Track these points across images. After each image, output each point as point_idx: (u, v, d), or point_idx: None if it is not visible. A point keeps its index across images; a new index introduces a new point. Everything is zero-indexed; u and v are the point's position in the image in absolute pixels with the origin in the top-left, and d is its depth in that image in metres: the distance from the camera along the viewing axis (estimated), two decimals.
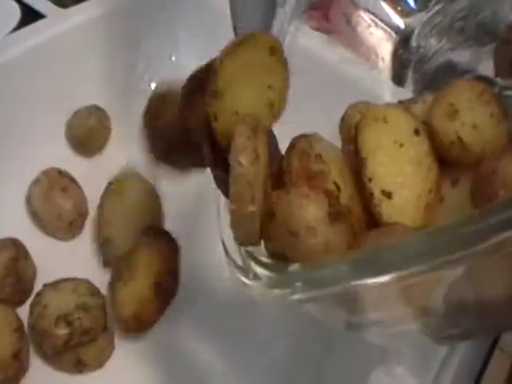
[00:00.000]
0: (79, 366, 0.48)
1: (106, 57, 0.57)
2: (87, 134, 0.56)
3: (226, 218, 0.31)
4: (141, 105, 0.57)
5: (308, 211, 0.29)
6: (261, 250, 0.30)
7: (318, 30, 0.49)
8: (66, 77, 0.56)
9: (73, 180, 0.54)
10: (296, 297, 0.27)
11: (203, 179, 0.36)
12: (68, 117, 0.56)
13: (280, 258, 0.30)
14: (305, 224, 0.29)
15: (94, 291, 0.48)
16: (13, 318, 0.47)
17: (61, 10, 0.58)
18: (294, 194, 0.30)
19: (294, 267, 0.28)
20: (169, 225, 0.54)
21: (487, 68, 0.37)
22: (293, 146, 0.34)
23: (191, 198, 0.55)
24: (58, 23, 0.56)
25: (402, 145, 0.33)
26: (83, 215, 0.54)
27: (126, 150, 0.57)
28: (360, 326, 0.33)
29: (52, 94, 0.55)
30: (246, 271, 0.30)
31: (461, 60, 0.41)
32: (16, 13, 0.60)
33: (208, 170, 0.33)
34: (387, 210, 0.31)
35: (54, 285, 0.49)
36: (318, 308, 0.31)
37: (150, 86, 0.60)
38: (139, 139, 0.56)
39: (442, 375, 0.42)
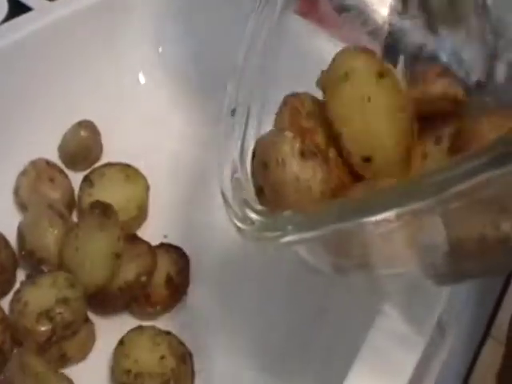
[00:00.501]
0: (63, 360, 0.47)
1: (92, 49, 0.57)
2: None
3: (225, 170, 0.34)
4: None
5: (280, 146, 0.33)
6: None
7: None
8: (54, 69, 0.55)
9: (60, 171, 0.54)
10: (287, 239, 0.30)
11: None
12: (57, 108, 0.56)
13: (260, 192, 0.34)
14: (275, 157, 0.33)
15: (73, 282, 0.47)
16: None
17: (47, 3, 0.58)
18: (273, 133, 0.35)
19: (286, 213, 0.31)
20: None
21: None
22: (285, 103, 0.37)
23: None
24: (44, 16, 0.55)
25: (369, 98, 0.34)
26: (71, 205, 0.53)
27: None
28: (347, 270, 0.35)
29: (40, 86, 0.55)
30: (242, 219, 0.32)
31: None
32: (3, 6, 0.60)
33: None
34: (369, 173, 0.34)
35: (33, 280, 0.48)
36: (307, 251, 0.33)
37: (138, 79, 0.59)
38: None
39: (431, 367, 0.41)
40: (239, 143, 0.36)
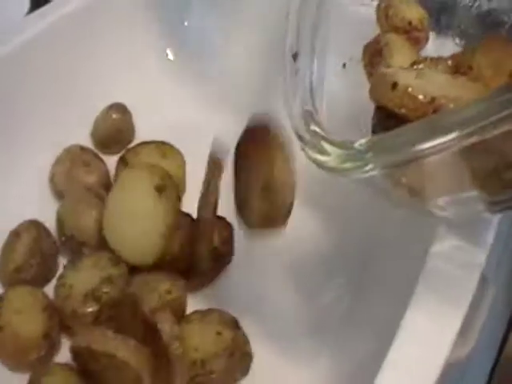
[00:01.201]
0: None
1: (117, 32, 0.56)
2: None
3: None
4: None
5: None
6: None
7: None
8: (81, 55, 0.55)
9: (95, 155, 0.54)
10: (367, 168, 0.30)
11: None
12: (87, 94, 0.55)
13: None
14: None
15: (116, 260, 0.46)
16: (41, 297, 0.46)
17: None
18: None
19: (363, 140, 0.31)
20: None
21: None
22: None
23: None
24: (67, 4, 0.55)
25: None
26: (108, 188, 0.52)
27: None
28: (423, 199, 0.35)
29: (68, 74, 0.55)
30: (319, 151, 0.33)
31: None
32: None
33: None
34: None
35: (75, 263, 0.47)
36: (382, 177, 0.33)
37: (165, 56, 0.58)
38: None
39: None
40: (307, 80, 0.36)
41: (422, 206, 0.36)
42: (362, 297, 0.47)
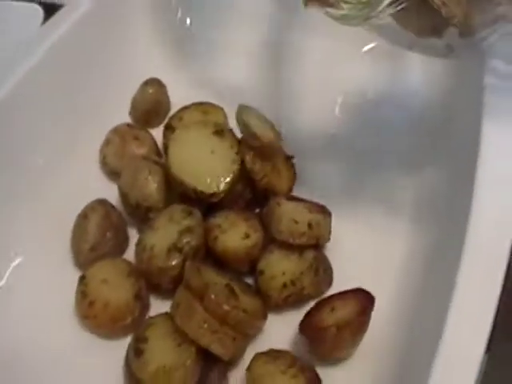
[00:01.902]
0: None
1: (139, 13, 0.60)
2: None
3: None
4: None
5: None
6: None
7: None
8: (112, 41, 0.58)
9: (141, 128, 0.56)
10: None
11: None
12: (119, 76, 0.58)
13: None
14: None
15: (189, 210, 0.48)
16: (124, 265, 0.48)
17: None
18: None
19: None
20: None
21: None
22: None
23: None
24: None
25: None
26: (159, 156, 0.55)
27: None
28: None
29: (99, 60, 0.57)
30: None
31: None
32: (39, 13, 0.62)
33: None
34: None
35: (150, 225, 0.49)
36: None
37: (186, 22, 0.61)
38: None
39: None
40: None
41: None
42: None
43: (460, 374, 0.35)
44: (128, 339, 0.45)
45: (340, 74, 0.57)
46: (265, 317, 0.44)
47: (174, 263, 0.46)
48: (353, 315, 0.41)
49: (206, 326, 0.42)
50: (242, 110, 0.51)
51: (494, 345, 0.36)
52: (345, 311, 0.42)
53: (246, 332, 0.43)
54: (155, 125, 0.57)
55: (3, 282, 0.49)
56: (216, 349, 0.42)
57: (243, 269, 0.47)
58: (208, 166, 0.48)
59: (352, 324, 0.41)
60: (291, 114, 0.57)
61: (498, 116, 0.40)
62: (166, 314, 0.45)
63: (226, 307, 0.42)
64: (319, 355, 0.43)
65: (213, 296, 0.42)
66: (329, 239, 0.47)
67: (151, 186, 0.50)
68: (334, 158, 0.55)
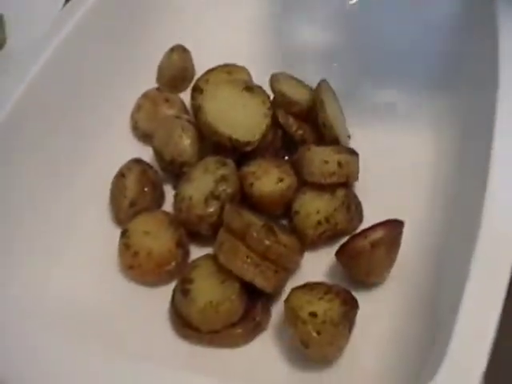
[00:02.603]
0: None
1: None
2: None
3: None
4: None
5: None
6: None
7: None
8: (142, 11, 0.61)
9: (170, 91, 0.59)
10: None
11: None
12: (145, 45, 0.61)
13: None
14: None
15: (222, 160, 0.50)
16: (163, 216, 0.51)
17: None
18: None
19: None
20: None
21: None
22: None
23: None
24: None
25: None
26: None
27: None
28: None
29: (125, 32, 0.60)
30: None
31: None
32: None
33: None
34: None
35: (186, 178, 0.51)
36: None
37: None
38: None
39: None
40: None
41: None
42: None
43: (490, 292, 0.37)
44: (171, 286, 0.48)
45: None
46: (302, 252, 0.47)
47: (212, 210, 0.49)
48: (385, 234, 0.44)
49: (249, 261, 0.44)
50: (275, 79, 0.54)
51: None
52: (377, 235, 0.44)
53: (285, 266, 0.45)
54: (182, 90, 0.60)
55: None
56: (259, 282, 0.44)
57: (278, 212, 0.50)
58: (241, 118, 0.51)
59: (384, 241, 0.44)
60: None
61: None
62: (208, 255, 0.48)
63: (267, 242, 0.44)
64: (355, 279, 0.46)
65: (254, 233, 0.45)
66: (357, 178, 0.50)
67: (185, 141, 0.53)
68: None
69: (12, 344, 0.38)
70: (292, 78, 0.55)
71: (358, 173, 0.50)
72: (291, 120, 0.52)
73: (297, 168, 0.50)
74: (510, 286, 0.37)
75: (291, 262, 0.46)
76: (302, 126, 0.52)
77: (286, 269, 0.46)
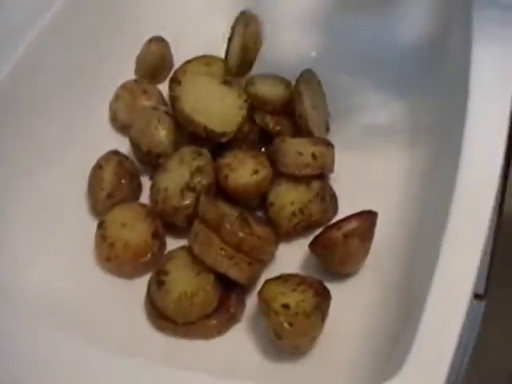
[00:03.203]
0: None
1: None
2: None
3: None
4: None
5: None
6: None
7: None
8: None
9: (148, 82, 0.59)
10: None
11: None
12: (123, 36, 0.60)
13: None
14: None
15: (198, 151, 0.50)
16: (140, 208, 0.51)
17: None
18: None
19: None
20: None
21: None
22: None
23: None
24: None
25: None
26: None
27: None
28: None
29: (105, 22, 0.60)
30: None
31: None
32: None
33: None
34: None
35: (163, 168, 0.51)
36: None
37: None
38: None
39: None
40: None
41: None
42: None
43: (457, 283, 0.38)
44: (146, 278, 0.48)
45: None
46: (277, 243, 0.47)
47: (187, 202, 0.49)
48: (358, 225, 0.45)
49: (223, 253, 0.44)
50: (249, 82, 0.54)
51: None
52: (350, 226, 0.45)
53: (260, 258, 0.46)
54: (160, 81, 0.60)
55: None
56: (233, 274, 0.45)
57: (253, 203, 0.50)
58: (218, 110, 0.51)
59: (358, 232, 0.45)
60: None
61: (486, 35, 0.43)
62: (184, 247, 0.48)
63: (240, 234, 0.45)
64: (329, 270, 0.46)
65: (228, 225, 0.45)
66: (332, 170, 0.50)
67: (161, 132, 0.53)
68: None
69: None
70: (269, 76, 0.56)
71: (333, 164, 0.50)
72: (268, 118, 0.53)
73: (272, 159, 0.50)
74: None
75: (265, 254, 0.46)
76: (279, 121, 0.53)
77: (261, 260, 0.46)
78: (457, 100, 0.45)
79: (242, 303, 0.46)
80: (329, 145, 0.50)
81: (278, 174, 0.50)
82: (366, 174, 0.52)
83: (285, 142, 0.49)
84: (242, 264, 0.45)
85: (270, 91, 0.53)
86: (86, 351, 0.38)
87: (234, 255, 0.44)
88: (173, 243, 0.50)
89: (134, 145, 0.54)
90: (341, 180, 0.51)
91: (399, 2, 0.58)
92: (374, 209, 0.46)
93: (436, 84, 0.53)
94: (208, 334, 0.45)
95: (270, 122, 0.52)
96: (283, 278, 0.45)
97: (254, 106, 0.53)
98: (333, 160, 0.50)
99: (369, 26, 0.60)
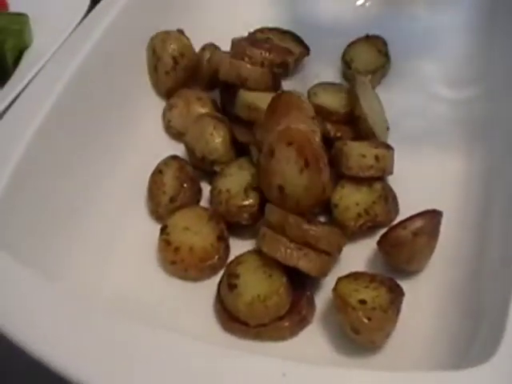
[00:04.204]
0: None
1: None
2: None
3: None
4: None
5: None
6: None
7: None
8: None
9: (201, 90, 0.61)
10: None
11: None
12: None
13: None
14: None
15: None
16: (203, 211, 0.52)
17: None
18: None
19: None
20: None
21: None
22: None
23: None
24: None
25: None
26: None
27: None
28: None
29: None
30: None
31: None
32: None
33: None
34: None
35: (221, 173, 0.53)
36: None
37: None
38: None
39: None
40: None
41: None
42: None
43: None
44: (213, 281, 0.49)
45: None
46: (343, 238, 0.48)
47: (252, 201, 0.51)
48: (425, 224, 0.46)
49: (292, 245, 0.46)
50: (312, 93, 0.56)
51: None
52: (417, 224, 0.46)
53: (327, 250, 0.46)
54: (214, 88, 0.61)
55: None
56: (304, 265, 0.46)
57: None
58: None
59: (426, 230, 0.46)
60: None
61: None
62: (253, 251, 0.49)
63: (305, 226, 0.46)
64: (397, 267, 0.48)
65: (292, 220, 0.46)
66: (392, 172, 0.52)
67: (216, 139, 0.55)
68: None
69: (78, 332, 0.39)
70: (328, 85, 0.58)
71: (392, 167, 0.51)
72: (329, 126, 0.54)
73: (334, 162, 0.51)
74: None
75: (332, 246, 0.47)
76: (339, 128, 0.54)
77: (328, 253, 0.47)
78: None
79: (312, 305, 0.47)
80: (389, 147, 0.52)
81: (339, 176, 0.51)
82: (424, 175, 0.53)
83: (347, 145, 0.51)
84: (311, 255, 0.46)
85: (332, 101, 0.55)
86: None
87: (302, 248, 0.46)
88: (236, 245, 0.51)
89: (189, 150, 0.56)
90: (400, 182, 0.52)
91: None
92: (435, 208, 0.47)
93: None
94: (280, 336, 0.46)
95: (332, 129, 0.54)
96: (353, 276, 0.46)
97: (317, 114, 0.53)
98: (393, 162, 0.51)
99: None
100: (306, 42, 0.64)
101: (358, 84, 0.54)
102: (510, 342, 0.35)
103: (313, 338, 0.46)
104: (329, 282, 0.47)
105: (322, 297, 0.48)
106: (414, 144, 0.55)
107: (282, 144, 0.47)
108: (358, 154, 0.50)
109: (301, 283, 0.47)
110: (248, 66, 0.55)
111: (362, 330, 0.43)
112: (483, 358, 0.35)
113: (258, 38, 0.62)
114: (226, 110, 0.57)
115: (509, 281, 0.39)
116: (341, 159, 0.50)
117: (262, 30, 0.65)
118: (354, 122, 0.54)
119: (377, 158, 0.50)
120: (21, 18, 0.69)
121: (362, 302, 0.43)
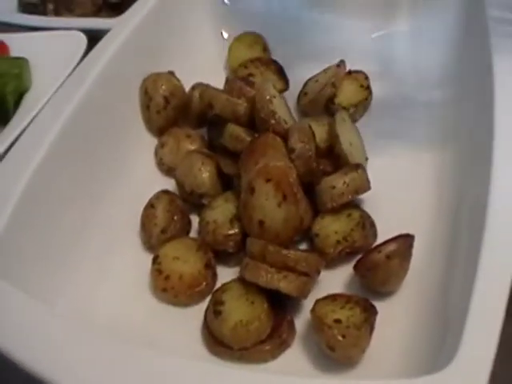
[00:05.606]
0: None
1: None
2: None
3: None
4: None
5: None
6: None
7: None
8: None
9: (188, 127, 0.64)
10: None
11: None
12: None
13: None
14: None
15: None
16: (191, 242, 0.55)
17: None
18: None
19: None
20: None
21: None
22: None
23: None
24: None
25: None
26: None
27: None
28: None
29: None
30: None
31: None
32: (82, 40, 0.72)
33: None
34: None
35: (208, 206, 0.57)
36: None
37: None
38: None
39: None
40: None
41: None
42: None
43: (494, 297, 0.41)
44: (201, 307, 0.52)
45: None
46: (321, 261, 0.51)
47: (237, 230, 0.54)
48: (398, 247, 0.49)
49: (272, 270, 0.49)
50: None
51: None
52: (390, 247, 0.49)
53: (306, 271, 0.49)
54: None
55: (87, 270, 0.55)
56: (284, 287, 0.48)
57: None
58: None
59: (398, 253, 0.49)
60: None
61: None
62: (237, 279, 0.52)
63: (284, 252, 0.49)
64: (372, 289, 0.50)
65: (271, 248, 0.49)
66: (369, 188, 0.54)
67: (203, 174, 0.58)
68: None
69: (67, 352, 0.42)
70: (309, 120, 0.61)
71: (368, 182, 0.54)
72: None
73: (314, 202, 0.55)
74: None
75: (311, 267, 0.49)
76: (320, 162, 0.56)
77: (307, 274, 0.49)
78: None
79: (293, 329, 0.50)
80: (358, 167, 0.55)
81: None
82: (399, 198, 0.57)
83: (319, 184, 0.54)
84: (290, 276, 0.49)
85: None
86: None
87: (282, 271, 0.49)
88: (222, 272, 0.54)
89: (179, 185, 0.59)
90: (376, 207, 0.56)
91: None
92: (409, 231, 0.50)
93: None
94: (262, 359, 0.49)
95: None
96: (331, 298, 0.49)
97: None
98: (366, 178, 0.54)
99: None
100: (290, 75, 0.68)
101: (337, 122, 0.58)
102: (467, 348, 0.38)
103: (293, 360, 0.49)
104: (309, 305, 0.49)
105: (302, 319, 0.50)
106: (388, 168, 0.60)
107: (261, 180, 0.51)
108: (328, 187, 0.53)
109: (282, 308, 0.50)
110: (245, 104, 0.58)
111: (337, 347, 0.45)
112: (444, 365, 0.38)
113: (240, 75, 0.66)
114: (213, 144, 0.61)
115: (469, 294, 0.41)
116: (316, 199, 0.54)
117: (245, 65, 0.68)
118: (334, 158, 0.57)
119: (345, 183, 0.53)
120: (20, 62, 0.73)
121: (337, 321, 0.46)
